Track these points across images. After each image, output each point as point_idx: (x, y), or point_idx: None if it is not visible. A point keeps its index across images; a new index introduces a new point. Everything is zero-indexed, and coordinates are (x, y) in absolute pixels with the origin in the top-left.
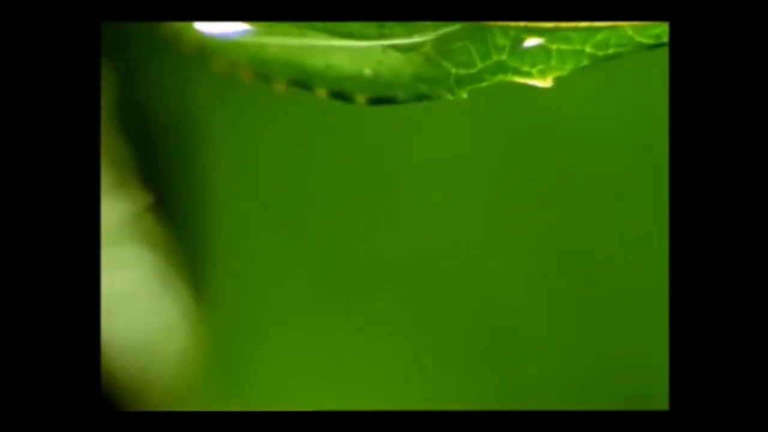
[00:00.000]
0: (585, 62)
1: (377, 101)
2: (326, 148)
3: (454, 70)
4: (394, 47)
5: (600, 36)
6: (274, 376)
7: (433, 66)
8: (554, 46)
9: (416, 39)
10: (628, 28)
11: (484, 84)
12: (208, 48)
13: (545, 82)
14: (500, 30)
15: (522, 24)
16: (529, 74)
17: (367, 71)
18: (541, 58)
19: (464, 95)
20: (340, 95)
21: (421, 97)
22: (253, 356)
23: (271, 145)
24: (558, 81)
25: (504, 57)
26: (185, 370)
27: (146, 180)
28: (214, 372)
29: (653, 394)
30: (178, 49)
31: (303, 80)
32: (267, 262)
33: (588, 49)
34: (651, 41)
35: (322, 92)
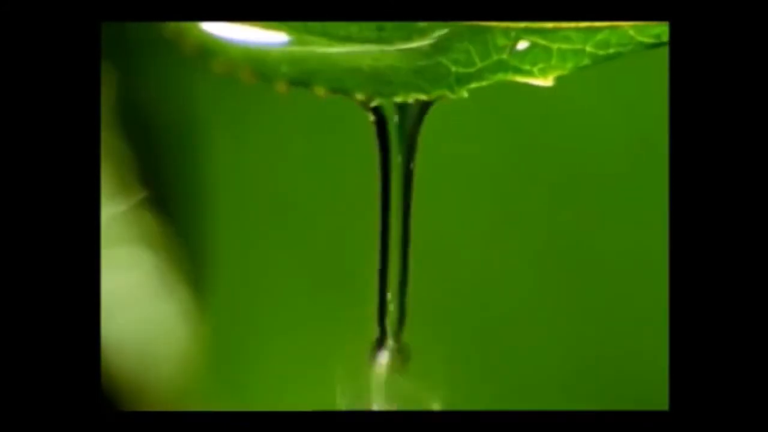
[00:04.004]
0: (585, 61)
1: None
2: (326, 148)
3: (454, 68)
4: (394, 47)
5: (600, 36)
6: (274, 376)
7: (433, 64)
8: (555, 46)
9: (415, 39)
10: (629, 28)
11: (484, 83)
12: (208, 48)
13: (546, 81)
14: (501, 31)
15: (523, 25)
16: (529, 73)
17: (367, 69)
18: (541, 57)
19: (465, 94)
20: (340, 94)
21: (420, 95)
22: (253, 356)
23: (271, 145)
24: (559, 80)
25: (504, 56)
26: (185, 370)
27: (146, 180)
28: (214, 372)
29: (653, 394)
30: (180, 49)
31: (303, 79)
32: (267, 262)
33: (589, 49)
34: (651, 40)
35: (321, 91)
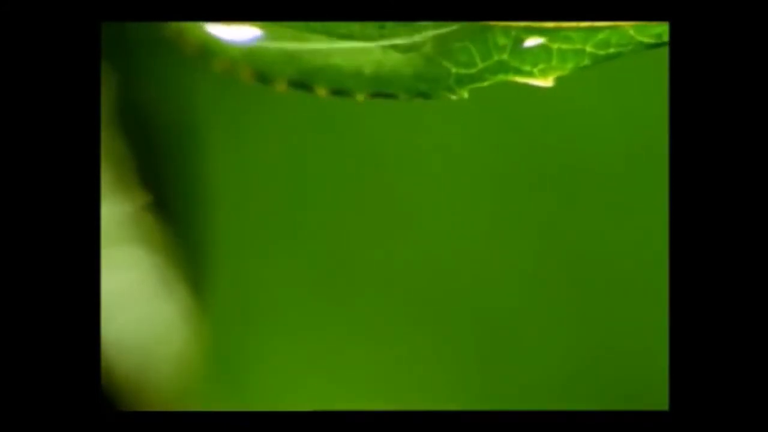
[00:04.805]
0: (586, 62)
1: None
2: (326, 148)
3: (454, 70)
4: (395, 47)
5: (601, 35)
6: (274, 376)
7: (434, 65)
8: (555, 46)
9: (416, 39)
10: (629, 27)
11: (485, 84)
12: (208, 48)
13: (546, 82)
14: (501, 30)
15: (523, 24)
16: (530, 74)
17: (367, 70)
18: (542, 58)
19: (465, 95)
20: (341, 94)
21: (421, 96)
22: (253, 356)
23: (271, 145)
24: (559, 80)
25: (505, 56)
26: (185, 370)
27: (146, 180)
28: (214, 372)
29: (653, 394)
30: (180, 48)
31: (303, 80)
32: (267, 262)
33: (589, 49)
34: (652, 40)
35: (322, 91)
